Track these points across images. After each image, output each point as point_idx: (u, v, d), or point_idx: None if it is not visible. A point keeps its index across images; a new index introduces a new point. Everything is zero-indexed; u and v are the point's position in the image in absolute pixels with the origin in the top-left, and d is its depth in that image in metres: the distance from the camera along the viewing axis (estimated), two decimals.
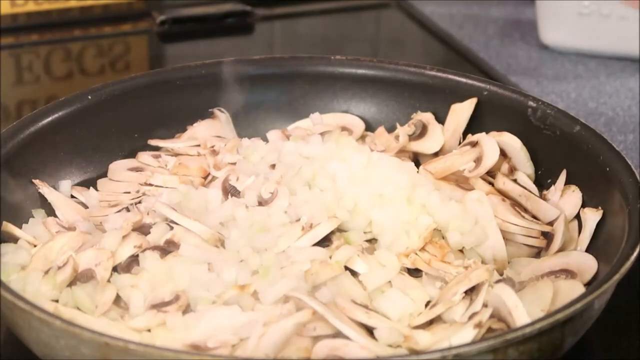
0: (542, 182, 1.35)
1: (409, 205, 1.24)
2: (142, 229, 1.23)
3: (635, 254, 1.11)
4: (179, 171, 1.35)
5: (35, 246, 1.23)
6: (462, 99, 1.42)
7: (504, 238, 1.24)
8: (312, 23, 2.04)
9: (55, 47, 1.90)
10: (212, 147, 1.38)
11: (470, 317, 1.10)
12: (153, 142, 1.42)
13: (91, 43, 1.93)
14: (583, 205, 1.28)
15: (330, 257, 1.18)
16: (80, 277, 1.17)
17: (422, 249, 1.22)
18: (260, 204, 1.25)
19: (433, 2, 2.07)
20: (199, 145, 1.40)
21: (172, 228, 1.22)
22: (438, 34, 1.93)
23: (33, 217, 1.29)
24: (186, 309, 1.13)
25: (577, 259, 1.21)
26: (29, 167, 1.32)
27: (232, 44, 1.96)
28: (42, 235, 1.26)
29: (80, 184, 1.36)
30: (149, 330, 1.12)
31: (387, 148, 1.38)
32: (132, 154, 1.40)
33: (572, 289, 1.14)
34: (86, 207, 1.33)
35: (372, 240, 1.24)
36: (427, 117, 1.42)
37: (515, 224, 1.25)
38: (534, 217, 1.29)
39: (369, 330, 1.11)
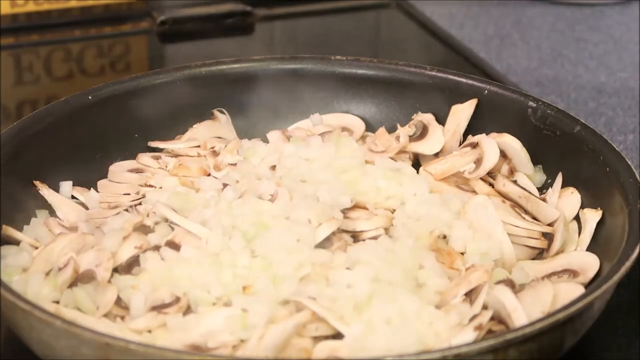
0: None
1: None
2: (143, 230, 1.23)
3: (635, 254, 1.11)
4: (179, 172, 1.35)
5: (37, 248, 1.23)
6: (462, 99, 1.42)
7: None
8: (312, 23, 2.04)
9: (55, 47, 1.90)
10: (213, 148, 1.38)
11: (471, 320, 1.10)
12: (153, 144, 1.42)
13: (91, 43, 1.93)
14: (583, 206, 1.28)
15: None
16: (81, 278, 1.17)
17: None
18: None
19: (433, 2, 2.07)
20: (199, 146, 1.40)
21: (172, 229, 1.22)
22: (438, 34, 1.93)
23: (34, 217, 1.29)
24: (187, 310, 1.14)
25: (578, 259, 1.21)
26: (29, 168, 1.32)
27: (232, 44, 1.96)
28: (44, 237, 1.26)
29: (80, 185, 1.36)
30: (149, 331, 1.12)
31: (387, 149, 1.38)
32: (132, 155, 1.40)
33: (572, 290, 1.14)
34: (87, 207, 1.33)
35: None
36: (428, 117, 1.42)
37: (516, 226, 1.25)
38: (534, 218, 1.29)
39: None
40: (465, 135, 1.40)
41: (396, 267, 1.15)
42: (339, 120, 1.47)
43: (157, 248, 1.20)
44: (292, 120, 1.47)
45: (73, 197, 1.34)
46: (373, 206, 1.27)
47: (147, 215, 1.25)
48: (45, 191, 1.32)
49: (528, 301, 1.12)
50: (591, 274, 1.19)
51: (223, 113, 1.45)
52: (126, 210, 1.29)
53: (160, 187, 1.33)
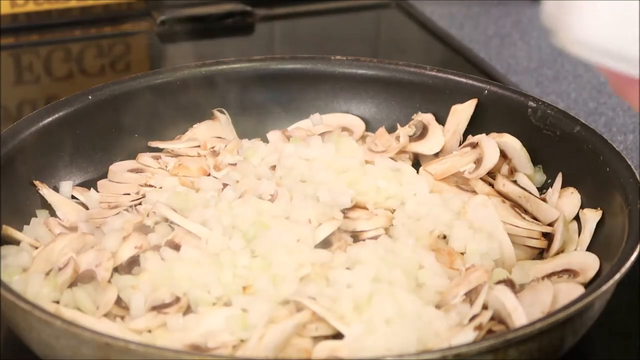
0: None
1: None
2: (143, 230, 1.23)
3: (635, 254, 1.11)
4: (179, 172, 1.35)
5: (37, 248, 1.23)
6: (462, 99, 1.42)
7: None
8: (312, 23, 2.04)
9: (55, 47, 1.90)
10: (213, 148, 1.38)
11: (471, 320, 1.10)
12: (153, 144, 1.42)
13: (91, 43, 1.93)
14: (583, 206, 1.28)
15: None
16: (81, 278, 1.17)
17: None
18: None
19: (433, 2, 2.07)
20: (199, 146, 1.40)
21: (172, 229, 1.22)
22: (438, 34, 1.93)
23: (34, 217, 1.29)
24: (187, 310, 1.14)
25: (578, 259, 1.21)
26: (30, 168, 1.32)
27: (232, 44, 1.96)
28: (44, 237, 1.26)
29: (81, 185, 1.36)
30: (149, 331, 1.12)
31: (387, 149, 1.38)
32: (132, 155, 1.40)
33: (572, 290, 1.14)
34: (87, 207, 1.33)
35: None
36: (428, 117, 1.42)
37: (516, 226, 1.25)
38: (534, 218, 1.29)
39: None
40: (465, 135, 1.40)
41: (396, 267, 1.15)
42: (339, 120, 1.47)
43: (157, 248, 1.20)
44: (292, 120, 1.47)
45: (73, 197, 1.34)
46: (373, 206, 1.27)
47: (147, 215, 1.25)
48: (45, 191, 1.32)
49: (528, 301, 1.12)
50: (591, 274, 1.19)
51: (223, 113, 1.45)
52: (126, 210, 1.29)
53: (160, 187, 1.33)
